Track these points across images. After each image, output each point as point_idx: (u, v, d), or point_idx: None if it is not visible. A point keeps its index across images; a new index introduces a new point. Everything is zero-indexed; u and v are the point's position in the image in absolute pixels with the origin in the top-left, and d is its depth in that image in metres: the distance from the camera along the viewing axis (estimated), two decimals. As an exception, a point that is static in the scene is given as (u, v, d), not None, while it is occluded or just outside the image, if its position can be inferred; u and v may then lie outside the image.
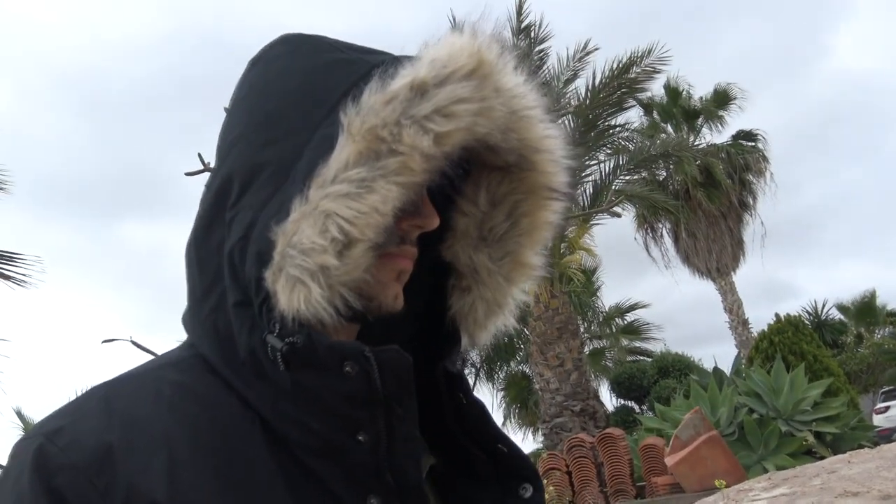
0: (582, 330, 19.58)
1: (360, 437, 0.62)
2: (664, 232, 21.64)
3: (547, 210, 0.77)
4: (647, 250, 21.81)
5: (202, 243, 0.70)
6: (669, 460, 8.50)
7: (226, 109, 0.76)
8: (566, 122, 13.86)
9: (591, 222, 14.86)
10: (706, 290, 21.83)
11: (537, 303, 14.21)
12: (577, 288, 17.47)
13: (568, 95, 14.06)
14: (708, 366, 17.36)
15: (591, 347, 22.09)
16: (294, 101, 0.67)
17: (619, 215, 13.95)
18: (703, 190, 19.37)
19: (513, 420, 22.62)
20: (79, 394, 0.67)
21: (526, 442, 22.59)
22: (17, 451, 0.61)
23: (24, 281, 8.72)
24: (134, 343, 4.82)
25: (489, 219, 0.77)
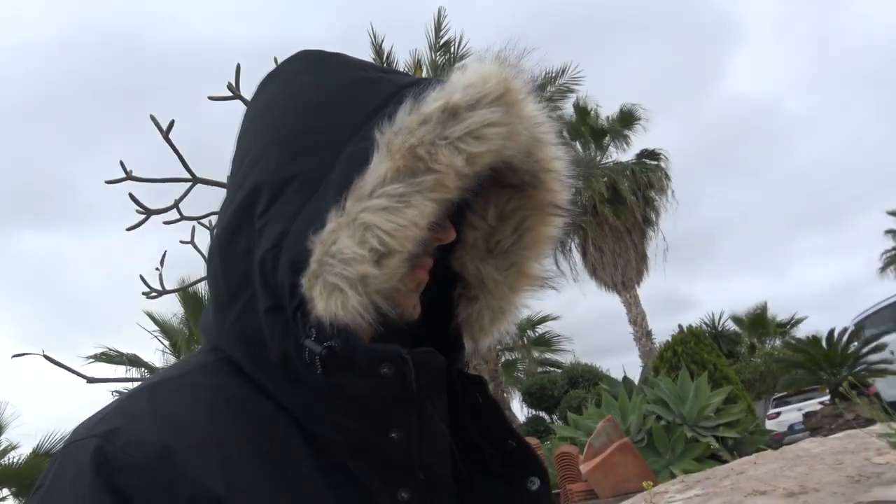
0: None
1: (392, 435, 0.66)
2: (573, 246, 22.28)
3: (550, 225, 0.82)
4: (557, 264, 22.38)
5: (227, 250, 0.71)
6: (584, 467, 8.73)
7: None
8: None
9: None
10: (612, 302, 22.56)
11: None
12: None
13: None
14: (616, 376, 17.94)
15: (504, 359, 22.43)
16: (323, 115, 0.70)
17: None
18: (610, 206, 20.07)
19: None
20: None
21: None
22: (71, 452, 0.61)
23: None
24: (46, 357, 4.57)
25: (496, 232, 0.82)
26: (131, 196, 4.49)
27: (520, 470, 0.78)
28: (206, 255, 0.75)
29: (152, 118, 4.39)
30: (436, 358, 0.67)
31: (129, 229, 4.55)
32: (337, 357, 0.64)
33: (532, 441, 10.79)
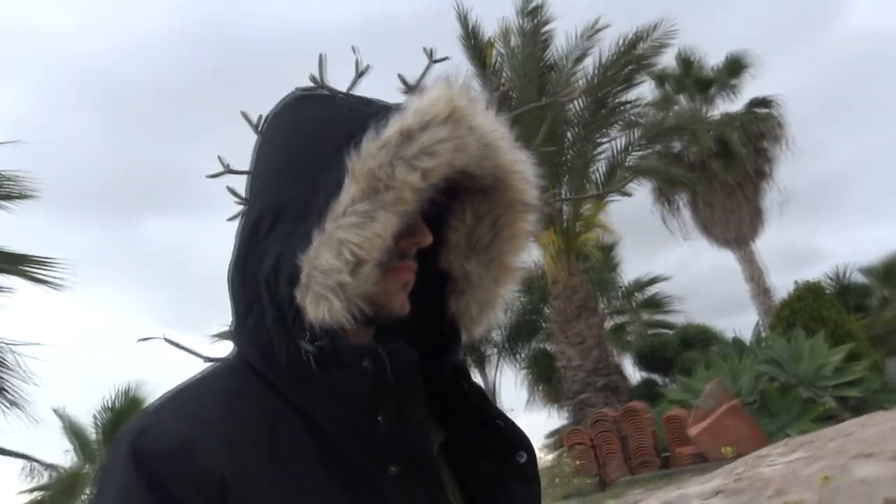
0: (602, 306, 19.65)
1: (379, 419, 0.78)
2: (681, 204, 21.59)
3: (523, 221, 0.92)
4: (665, 223, 21.78)
5: (241, 270, 0.85)
6: (692, 430, 8.61)
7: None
8: (576, 103, 13.93)
9: (607, 199, 14.90)
10: (727, 259, 21.71)
11: (555, 282, 14.37)
12: (596, 264, 17.52)
13: (577, 75, 14.09)
14: (731, 336, 17.34)
15: (613, 323, 22.15)
16: (306, 149, 0.84)
17: (629, 195, 13.83)
18: (719, 160, 19.26)
19: (537, 397, 22.69)
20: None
21: (551, 419, 22.75)
22: (116, 446, 0.78)
23: (59, 285, 8.74)
24: (168, 340, 5.00)
25: (475, 232, 0.93)
26: (229, 189, 4.78)
27: (509, 446, 0.90)
28: (227, 275, 0.90)
29: (243, 114, 4.65)
30: (407, 352, 0.80)
31: (229, 220, 4.87)
32: (326, 355, 0.77)
33: (640, 406, 10.70)
